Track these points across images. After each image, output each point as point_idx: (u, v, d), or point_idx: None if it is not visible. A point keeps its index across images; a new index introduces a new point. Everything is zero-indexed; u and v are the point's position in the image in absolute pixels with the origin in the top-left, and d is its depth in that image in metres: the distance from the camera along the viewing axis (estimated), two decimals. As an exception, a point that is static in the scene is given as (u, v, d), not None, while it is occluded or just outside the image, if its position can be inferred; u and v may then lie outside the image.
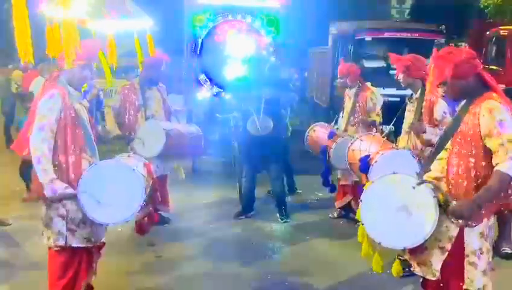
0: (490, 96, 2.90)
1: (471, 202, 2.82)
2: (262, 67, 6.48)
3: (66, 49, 3.30)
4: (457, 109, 3.15)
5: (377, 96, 5.95)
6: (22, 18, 3.24)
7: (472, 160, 2.90)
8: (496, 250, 5.17)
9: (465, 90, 2.98)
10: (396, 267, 3.32)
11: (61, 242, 3.36)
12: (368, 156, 4.60)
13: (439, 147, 3.12)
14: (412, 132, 4.54)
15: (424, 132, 4.45)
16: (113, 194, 3.32)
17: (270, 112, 5.96)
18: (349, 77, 6.04)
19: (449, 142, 3.07)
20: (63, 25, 3.35)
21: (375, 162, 4.37)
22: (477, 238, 2.95)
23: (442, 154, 3.12)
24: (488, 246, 3.00)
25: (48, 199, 3.28)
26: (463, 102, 3.05)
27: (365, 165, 4.49)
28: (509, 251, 5.16)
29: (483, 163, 2.88)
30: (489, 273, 3.01)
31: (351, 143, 5.16)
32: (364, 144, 4.92)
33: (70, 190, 3.26)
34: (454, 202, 2.87)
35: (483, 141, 2.84)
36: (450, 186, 3.00)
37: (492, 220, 3.02)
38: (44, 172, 3.21)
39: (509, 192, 2.95)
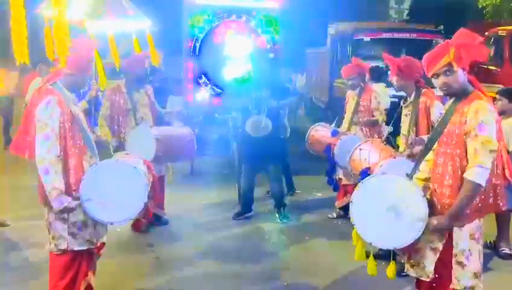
0: (479, 96, 2.91)
1: (447, 218, 2.88)
2: (263, 66, 6.48)
3: (58, 49, 3.29)
4: (444, 109, 3.16)
5: (383, 96, 5.95)
6: (19, 19, 3.24)
7: (457, 159, 2.91)
8: (495, 250, 5.20)
9: (462, 83, 2.95)
10: (391, 270, 3.29)
11: (63, 246, 3.34)
12: (368, 168, 4.57)
13: (428, 147, 3.13)
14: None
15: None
16: (116, 194, 3.30)
17: (269, 112, 5.96)
18: (366, 73, 6.00)
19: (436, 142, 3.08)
20: (55, 24, 3.34)
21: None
22: (467, 239, 2.95)
23: (430, 155, 3.13)
24: (480, 248, 3.01)
25: (55, 210, 3.25)
26: (450, 101, 3.05)
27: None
28: (508, 251, 5.17)
29: (467, 163, 2.88)
30: (481, 275, 3.01)
31: (351, 153, 5.11)
32: (364, 153, 4.87)
33: (76, 202, 3.23)
34: (434, 220, 2.89)
35: (465, 138, 2.86)
36: (436, 186, 3.02)
37: (482, 221, 3.02)
38: (51, 184, 3.18)
39: (498, 198, 2.97)
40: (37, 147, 3.20)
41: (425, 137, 4.52)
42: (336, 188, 6.34)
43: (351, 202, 3.12)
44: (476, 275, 2.97)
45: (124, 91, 5.52)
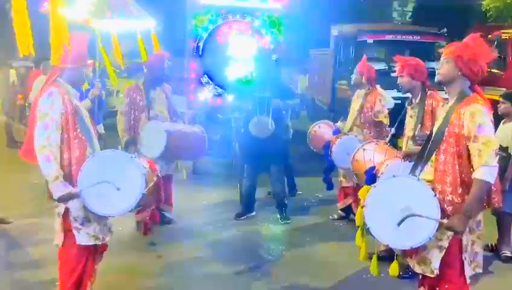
0: (476, 99, 3.04)
1: (461, 217, 2.97)
2: (267, 67, 6.46)
3: (52, 45, 3.30)
4: (444, 110, 3.25)
5: (386, 98, 5.94)
6: (20, 11, 3.24)
7: (456, 157, 3.04)
8: (496, 254, 5.20)
9: (450, 78, 3.13)
10: (394, 268, 3.38)
11: (58, 241, 3.38)
12: (373, 167, 4.57)
13: (432, 149, 3.18)
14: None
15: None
16: (113, 185, 3.28)
17: (272, 112, 5.95)
18: (366, 76, 6.00)
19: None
20: (51, 20, 3.34)
21: (382, 174, 4.33)
22: (467, 234, 3.10)
23: (433, 156, 3.20)
24: (474, 239, 3.16)
25: (57, 199, 3.26)
26: (451, 102, 3.15)
27: (371, 177, 4.44)
28: (510, 255, 5.16)
29: (467, 162, 3.01)
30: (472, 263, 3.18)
31: (354, 153, 5.12)
32: (368, 154, 4.87)
33: (76, 189, 3.23)
34: (445, 220, 2.99)
35: (466, 142, 2.99)
36: (438, 183, 3.11)
37: (480, 216, 3.15)
38: (52, 172, 3.18)
39: (493, 196, 3.12)
40: (36, 136, 3.21)
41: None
42: (329, 187, 6.35)
43: (364, 206, 3.17)
44: (468, 263, 3.14)
45: (142, 89, 5.67)
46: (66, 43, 3.32)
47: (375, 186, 3.20)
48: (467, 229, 3.07)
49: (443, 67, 3.15)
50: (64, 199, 3.25)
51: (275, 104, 5.93)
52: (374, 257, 3.49)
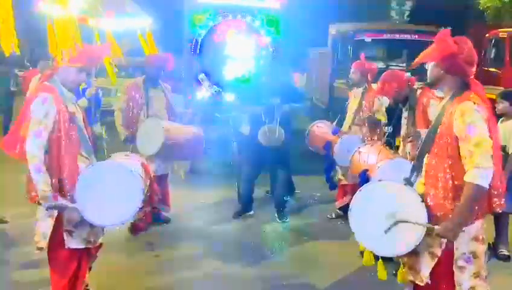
0: (468, 97, 2.89)
1: (451, 224, 2.80)
2: (272, 71, 6.41)
3: (63, 46, 3.27)
4: (438, 110, 3.15)
5: (383, 97, 5.94)
6: (4, 8, 3.21)
7: (448, 160, 2.89)
8: (494, 252, 5.20)
9: (433, 78, 3.08)
10: (402, 274, 3.19)
11: (42, 244, 3.35)
12: (366, 170, 4.58)
13: (424, 150, 3.07)
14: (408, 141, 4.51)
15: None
16: (110, 196, 3.28)
17: (281, 119, 5.90)
18: (370, 75, 5.99)
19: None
20: (60, 22, 3.32)
21: (374, 176, 4.33)
22: (468, 242, 2.91)
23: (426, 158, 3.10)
24: (485, 248, 2.97)
25: (46, 208, 3.23)
26: (444, 101, 3.05)
27: (364, 180, 4.44)
28: (507, 253, 5.17)
29: (459, 165, 2.85)
30: (484, 275, 2.96)
31: (351, 155, 5.12)
32: (363, 156, 4.90)
33: (66, 202, 3.22)
34: (436, 227, 2.84)
35: (458, 143, 2.84)
36: (429, 187, 2.98)
37: (483, 222, 2.98)
38: (43, 182, 3.14)
39: (494, 199, 2.91)
40: (28, 143, 3.15)
41: (422, 131, 4.47)
42: (332, 186, 6.35)
43: (350, 210, 3.10)
44: (476, 275, 2.92)
45: (141, 87, 5.70)
46: (77, 43, 3.31)
47: (360, 191, 3.11)
48: (480, 238, 2.92)
49: (429, 71, 3.08)
50: (52, 208, 3.23)
51: (284, 111, 5.89)
52: (380, 262, 3.39)
